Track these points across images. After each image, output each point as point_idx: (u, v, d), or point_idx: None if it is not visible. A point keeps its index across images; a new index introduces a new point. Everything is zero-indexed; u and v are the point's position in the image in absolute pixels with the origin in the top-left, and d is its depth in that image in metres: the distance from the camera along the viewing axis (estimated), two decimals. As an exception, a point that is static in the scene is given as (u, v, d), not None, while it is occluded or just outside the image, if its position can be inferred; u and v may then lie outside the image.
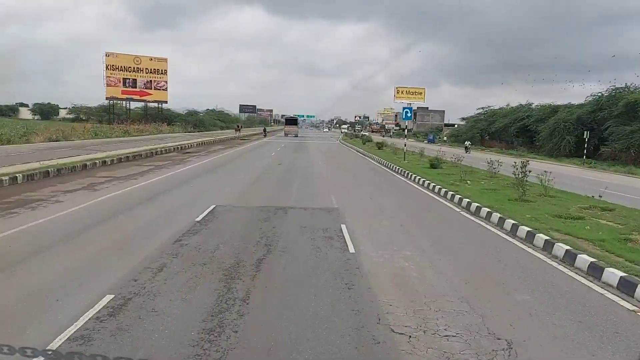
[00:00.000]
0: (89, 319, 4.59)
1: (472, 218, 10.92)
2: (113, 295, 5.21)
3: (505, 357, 4.14)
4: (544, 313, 5.23)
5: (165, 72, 60.99)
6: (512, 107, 57.96)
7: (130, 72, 59.23)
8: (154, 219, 9.61)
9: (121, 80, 58.88)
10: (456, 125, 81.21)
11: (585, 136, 37.28)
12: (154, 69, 60.43)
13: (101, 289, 5.37)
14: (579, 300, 5.67)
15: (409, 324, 4.76)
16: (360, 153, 36.37)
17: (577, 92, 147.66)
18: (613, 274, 6.19)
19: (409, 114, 28.56)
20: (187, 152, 29.11)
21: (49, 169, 15.37)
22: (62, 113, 78.82)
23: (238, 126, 63.23)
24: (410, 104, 29.48)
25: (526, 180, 13.12)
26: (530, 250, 8.04)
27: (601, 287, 6.12)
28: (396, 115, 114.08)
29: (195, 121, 68.96)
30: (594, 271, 6.53)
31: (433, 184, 15.88)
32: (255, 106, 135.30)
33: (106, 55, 58.35)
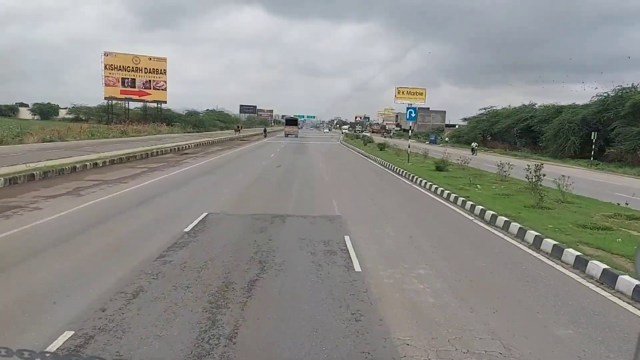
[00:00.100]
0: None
1: (488, 228, 10.01)
2: (72, 332, 4.31)
3: None
4: (594, 355, 4.32)
5: (164, 72, 60.00)
6: (515, 108, 57.04)
7: (129, 71, 58.23)
8: (138, 229, 8.69)
9: (120, 80, 57.86)
10: (457, 126, 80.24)
11: (592, 137, 36.48)
12: (153, 69, 59.45)
13: (59, 324, 4.46)
14: (632, 333, 4.73)
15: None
16: (362, 154, 35.39)
17: (577, 93, 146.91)
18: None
19: (413, 115, 27.47)
20: (185, 154, 28.20)
21: (35, 172, 14.48)
22: (62, 113, 77.84)
23: (238, 126, 62.38)
24: (411, 104, 28.55)
25: (540, 185, 12.29)
26: (559, 267, 7.12)
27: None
28: (397, 116, 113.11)
29: (195, 121, 67.98)
30: (641, 296, 5.62)
31: (441, 188, 14.96)
32: (255, 106, 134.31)
33: (105, 54, 57.33)
